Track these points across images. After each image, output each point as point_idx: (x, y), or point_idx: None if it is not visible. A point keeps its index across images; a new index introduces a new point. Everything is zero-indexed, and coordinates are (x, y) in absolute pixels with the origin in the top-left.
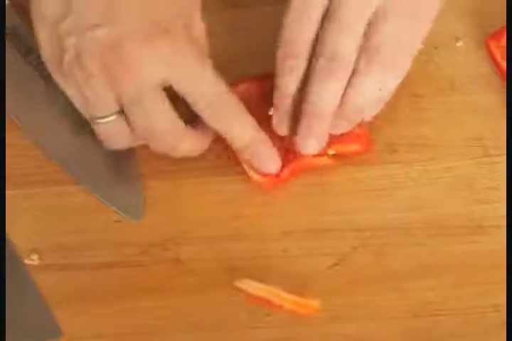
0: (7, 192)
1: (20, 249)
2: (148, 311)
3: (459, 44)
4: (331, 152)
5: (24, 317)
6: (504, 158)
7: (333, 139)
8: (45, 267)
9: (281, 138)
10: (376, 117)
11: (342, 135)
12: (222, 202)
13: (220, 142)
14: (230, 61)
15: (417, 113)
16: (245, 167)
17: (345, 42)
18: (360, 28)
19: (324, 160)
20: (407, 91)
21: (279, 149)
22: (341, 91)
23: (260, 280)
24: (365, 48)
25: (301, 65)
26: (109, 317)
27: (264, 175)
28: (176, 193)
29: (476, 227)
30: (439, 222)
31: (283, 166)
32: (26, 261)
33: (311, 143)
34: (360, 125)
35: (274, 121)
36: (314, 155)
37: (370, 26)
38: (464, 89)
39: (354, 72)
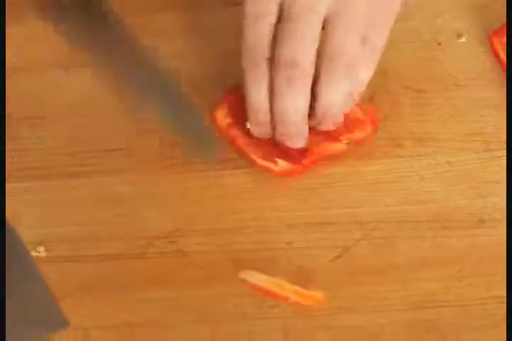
0: (13, 185)
1: (27, 241)
2: (153, 303)
3: (462, 40)
4: (344, 142)
5: (31, 308)
6: (505, 153)
7: (340, 130)
8: (52, 259)
9: None
10: (380, 112)
11: (347, 124)
12: (226, 195)
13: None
14: (231, 58)
15: (421, 108)
16: (262, 162)
17: (302, 49)
18: (314, 31)
19: (340, 147)
20: (411, 87)
21: None
22: (307, 97)
23: (265, 272)
24: (323, 57)
25: (264, 74)
26: (115, 309)
27: (289, 161)
28: (180, 187)
29: (477, 221)
30: (441, 216)
31: (304, 154)
32: (33, 253)
33: (293, 142)
34: (362, 108)
35: (252, 131)
36: (330, 142)
37: (325, 30)
38: (466, 85)
39: (318, 79)
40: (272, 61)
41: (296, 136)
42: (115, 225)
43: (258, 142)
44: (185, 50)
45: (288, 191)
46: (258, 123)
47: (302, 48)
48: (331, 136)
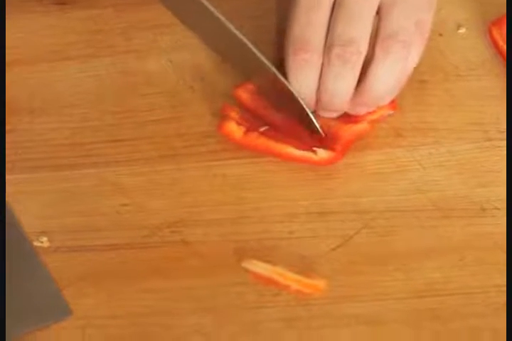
0: (16, 176)
1: (30, 231)
2: (156, 292)
3: (462, 31)
4: (366, 121)
5: (34, 297)
6: (505, 142)
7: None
8: (55, 249)
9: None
10: None
11: None
12: (226, 185)
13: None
14: None
15: (422, 98)
16: (301, 152)
17: (358, 28)
18: (370, 13)
19: (364, 127)
20: (412, 77)
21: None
22: (357, 76)
23: (267, 261)
24: (379, 36)
25: (315, 57)
26: (117, 298)
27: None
28: (181, 177)
29: (478, 209)
30: (442, 205)
31: (335, 142)
32: (35, 244)
33: (328, 114)
34: None
35: None
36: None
37: (381, 13)
38: (467, 75)
39: (371, 59)
40: (326, 42)
41: (335, 112)
42: (118, 215)
43: (286, 136)
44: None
45: (290, 181)
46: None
47: (359, 26)
48: (353, 119)
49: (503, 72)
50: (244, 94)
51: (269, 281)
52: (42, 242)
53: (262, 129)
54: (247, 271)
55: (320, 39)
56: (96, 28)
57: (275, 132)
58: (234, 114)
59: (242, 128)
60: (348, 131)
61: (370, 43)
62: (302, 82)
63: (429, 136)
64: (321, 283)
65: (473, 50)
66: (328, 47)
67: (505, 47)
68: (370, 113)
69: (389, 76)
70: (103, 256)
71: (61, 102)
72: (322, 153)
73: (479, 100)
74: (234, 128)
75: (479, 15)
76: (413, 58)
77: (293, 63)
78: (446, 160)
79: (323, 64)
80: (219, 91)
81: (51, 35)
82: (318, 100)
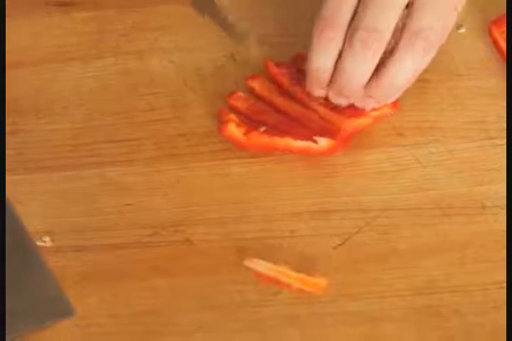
0: (19, 176)
1: (33, 231)
2: (159, 291)
3: (462, 30)
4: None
5: (37, 297)
6: (505, 141)
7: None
8: (58, 249)
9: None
10: None
11: None
12: (229, 184)
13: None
14: None
15: (422, 97)
16: (303, 143)
17: (386, 18)
18: (401, 7)
19: (367, 121)
20: None
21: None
22: (375, 63)
23: (269, 260)
24: (407, 30)
25: (339, 37)
26: (120, 297)
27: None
28: (184, 176)
29: (479, 207)
30: (443, 203)
31: (338, 131)
32: (38, 243)
33: (341, 101)
34: None
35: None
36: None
37: (412, 9)
38: (468, 75)
39: (394, 51)
40: (350, 26)
41: (346, 99)
42: (121, 215)
43: (288, 128)
44: None
45: (291, 180)
46: (319, 86)
47: (386, 16)
48: (356, 113)
49: (503, 71)
50: (238, 103)
51: (270, 280)
52: (45, 242)
53: (261, 129)
54: (249, 269)
55: (347, 19)
56: (98, 29)
57: (274, 130)
58: (232, 117)
59: (242, 130)
60: (351, 124)
61: (392, 36)
62: (322, 60)
63: (429, 135)
64: (322, 282)
65: (473, 50)
66: (352, 29)
67: (505, 46)
68: (373, 109)
69: (408, 70)
70: (106, 256)
71: (64, 103)
72: (323, 142)
73: (480, 99)
74: (234, 130)
75: (479, 14)
76: (428, 58)
77: (317, 40)
78: (446, 159)
79: (344, 45)
80: (220, 93)
81: (54, 36)
82: (333, 82)
